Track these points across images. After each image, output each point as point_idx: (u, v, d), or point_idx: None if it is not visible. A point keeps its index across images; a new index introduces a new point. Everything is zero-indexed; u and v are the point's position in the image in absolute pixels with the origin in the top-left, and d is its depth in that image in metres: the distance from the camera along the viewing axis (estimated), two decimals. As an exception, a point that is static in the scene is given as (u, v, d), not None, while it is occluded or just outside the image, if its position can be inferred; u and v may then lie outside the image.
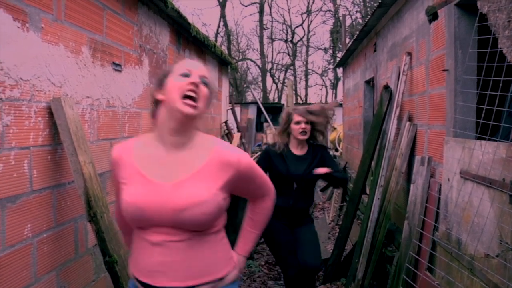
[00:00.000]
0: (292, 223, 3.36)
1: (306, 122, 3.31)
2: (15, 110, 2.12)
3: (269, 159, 3.34)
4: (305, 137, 3.32)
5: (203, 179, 1.46)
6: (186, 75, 1.47)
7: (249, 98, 29.29)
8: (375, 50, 5.88)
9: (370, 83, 6.69)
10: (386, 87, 4.36)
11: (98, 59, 2.98)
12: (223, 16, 26.38)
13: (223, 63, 8.08)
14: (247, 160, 1.58)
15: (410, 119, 4.03)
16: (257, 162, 3.09)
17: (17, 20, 2.12)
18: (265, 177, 1.73)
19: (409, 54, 4.08)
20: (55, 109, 2.41)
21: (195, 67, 1.51)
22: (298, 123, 3.32)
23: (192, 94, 1.44)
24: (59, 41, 2.49)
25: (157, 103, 1.54)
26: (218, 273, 1.51)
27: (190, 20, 4.99)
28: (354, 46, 7.41)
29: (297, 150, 3.38)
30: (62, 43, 2.52)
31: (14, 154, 2.12)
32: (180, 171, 1.46)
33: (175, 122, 1.47)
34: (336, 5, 26.06)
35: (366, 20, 5.67)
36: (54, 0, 2.44)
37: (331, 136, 12.98)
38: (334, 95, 29.34)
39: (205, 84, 1.50)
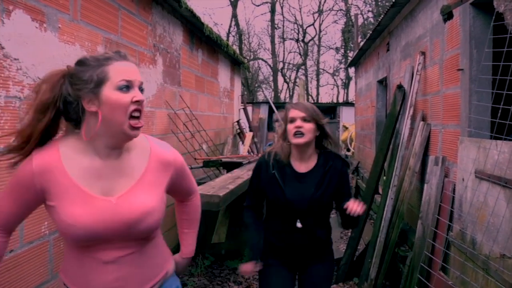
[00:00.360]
0: (299, 262, 2.31)
1: (304, 119, 2.15)
2: (33, 109, 2.15)
3: (258, 177, 2.28)
4: (301, 140, 2.14)
5: (148, 185, 1.41)
6: (127, 87, 1.30)
7: (261, 97, 29.30)
8: (388, 50, 5.85)
9: (383, 82, 6.66)
10: (400, 87, 4.34)
11: (113, 58, 3.01)
12: (234, 15, 26.40)
13: (236, 63, 8.10)
14: (180, 158, 1.57)
15: (423, 118, 4.00)
16: (250, 180, 2.35)
17: (35, 21, 2.15)
18: (191, 174, 1.72)
19: (423, 53, 4.06)
20: (72, 108, 2.44)
21: (134, 74, 1.33)
22: (292, 120, 2.19)
23: (138, 114, 1.32)
24: (75, 40, 2.53)
25: (73, 105, 1.32)
26: (165, 269, 1.56)
27: (201, 19, 5.02)
28: (367, 45, 7.38)
29: (300, 165, 2.24)
30: (78, 42, 2.56)
31: (32, 152, 2.15)
32: (122, 182, 1.38)
33: (116, 140, 1.35)
34: (348, 5, 25.92)
35: (379, 20, 5.64)
36: (71, 0, 2.47)
37: (343, 135, 12.94)
38: (345, 94, 29.23)
39: (142, 90, 1.37)
